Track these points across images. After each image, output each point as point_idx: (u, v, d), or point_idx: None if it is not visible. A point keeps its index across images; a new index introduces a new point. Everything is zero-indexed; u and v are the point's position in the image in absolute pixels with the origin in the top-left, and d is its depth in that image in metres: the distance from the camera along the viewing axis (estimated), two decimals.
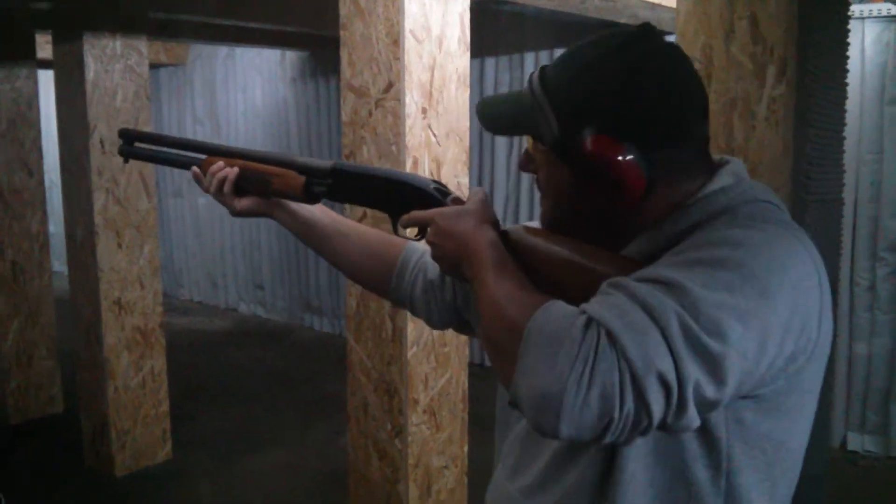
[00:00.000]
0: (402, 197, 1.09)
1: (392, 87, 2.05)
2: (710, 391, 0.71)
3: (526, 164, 0.97)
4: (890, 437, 3.68)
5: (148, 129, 3.54)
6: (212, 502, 3.37)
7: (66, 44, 3.37)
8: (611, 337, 0.70)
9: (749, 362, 0.73)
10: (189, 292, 7.35)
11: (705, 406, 0.73)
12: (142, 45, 3.49)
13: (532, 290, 0.85)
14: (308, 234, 1.25)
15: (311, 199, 1.19)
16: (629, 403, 0.69)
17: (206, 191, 1.24)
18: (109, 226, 3.42)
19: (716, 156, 0.92)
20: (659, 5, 3.35)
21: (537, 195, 1.00)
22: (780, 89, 1.82)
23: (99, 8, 3.28)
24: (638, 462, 0.83)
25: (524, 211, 4.87)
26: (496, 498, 1.02)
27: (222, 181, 1.21)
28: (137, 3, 3.43)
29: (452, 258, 0.96)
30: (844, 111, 2.18)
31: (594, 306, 0.74)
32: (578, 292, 0.82)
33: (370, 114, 2.11)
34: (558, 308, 0.77)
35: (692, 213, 0.85)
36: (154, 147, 1.31)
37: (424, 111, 2.10)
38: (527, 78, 0.91)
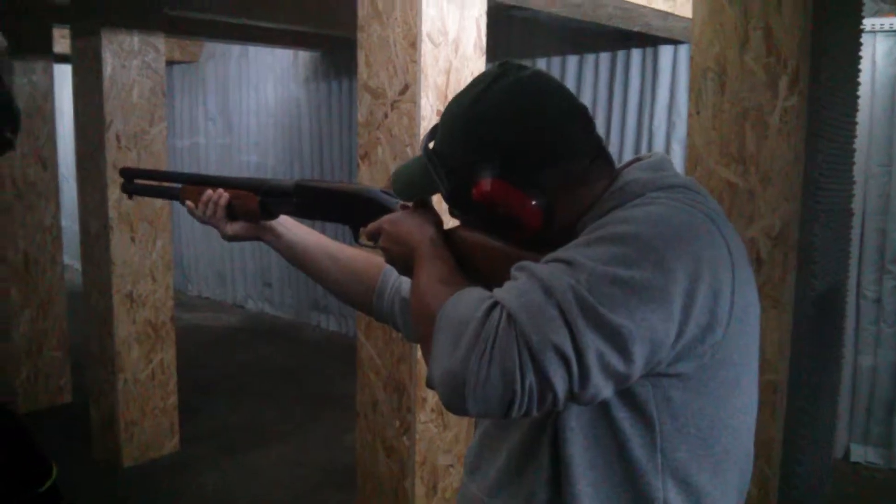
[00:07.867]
0: (358, 209, 1.15)
1: (408, 90, 2.08)
2: (615, 361, 0.74)
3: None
4: (893, 449, 3.69)
5: (163, 125, 3.58)
6: (218, 495, 3.40)
7: (84, 39, 3.41)
8: (510, 317, 0.75)
9: (657, 333, 0.75)
10: (197, 288, 7.39)
11: (616, 378, 0.75)
12: (159, 41, 3.53)
13: (455, 281, 0.89)
14: (295, 257, 1.31)
15: (268, 216, 1.28)
16: (530, 378, 0.73)
17: (201, 218, 1.30)
18: (123, 220, 3.46)
19: (645, 153, 0.94)
20: (671, 14, 3.36)
21: None
22: (792, 100, 1.85)
23: (117, 3, 3.31)
24: (575, 446, 0.85)
25: None
26: (461, 499, 1.05)
27: (215, 205, 1.28)
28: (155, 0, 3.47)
29: (402, 259, 1.01)
30: (856, 123, 2.20)
31: (500, 290, 0.79)
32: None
33: (386, 115, 2.14)
34: (469, 294, 0.82)
35: (604, 204, 0.87)
36: (154, 183, 1.42)
37: (440, 114, 2.13)
38: None
